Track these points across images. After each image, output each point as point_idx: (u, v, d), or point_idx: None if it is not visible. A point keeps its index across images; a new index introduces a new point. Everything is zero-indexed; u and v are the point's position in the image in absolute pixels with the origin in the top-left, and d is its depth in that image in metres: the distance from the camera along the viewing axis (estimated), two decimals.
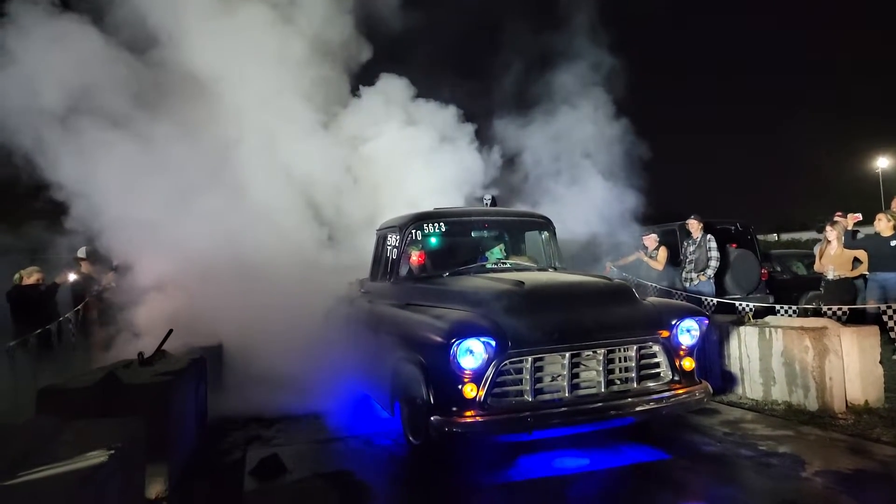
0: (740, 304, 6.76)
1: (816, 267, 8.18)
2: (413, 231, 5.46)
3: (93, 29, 7.23)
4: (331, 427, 5.22)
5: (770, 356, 5.55)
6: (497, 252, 5.78)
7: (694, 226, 8.85)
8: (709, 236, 8.67)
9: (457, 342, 3.80)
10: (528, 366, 3.97)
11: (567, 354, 4.04)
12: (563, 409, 3.97)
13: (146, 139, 7.31)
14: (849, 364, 5.20)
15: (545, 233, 5.98)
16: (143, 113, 7.47)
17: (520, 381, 3.98)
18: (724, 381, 6.04)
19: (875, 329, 5.37)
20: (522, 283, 4.39)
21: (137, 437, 2.72)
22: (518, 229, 6.15)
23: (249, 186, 7.82)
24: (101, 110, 7.33)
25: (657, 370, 4.34)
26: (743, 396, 5.80)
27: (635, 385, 4.22)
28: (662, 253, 9.15)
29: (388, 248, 5.67)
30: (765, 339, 5.61)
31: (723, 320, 6.25)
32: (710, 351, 6.20)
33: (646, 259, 9.19)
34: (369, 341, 5.29)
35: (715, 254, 8.55)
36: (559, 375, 4.05)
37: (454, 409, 3.85)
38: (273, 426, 5.38)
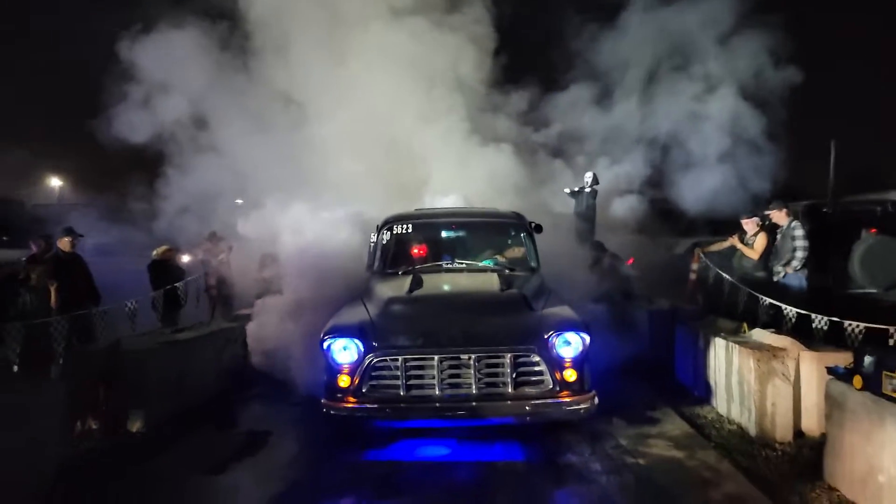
0: (787, 312, 6.09)
1: None
2: (385, 231, 6.17)
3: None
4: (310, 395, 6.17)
5: (732, 373, 5.16)
6: (464, 251, 6.18)
7: (776, 215, 7.79)
8: (794, 223, 7.50)
9: (329, 339, 4.57)
10: (401, 364, 4.55)
11: (436, 357, 4.52)
12: (431, 404, 4.51)
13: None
14: (806, 391, 4.66)
15: (519, 231, 6.19)
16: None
17: (396, 377, 4.58)
18: (707, 391, 5.71)
19: (843, 355, 4.63)
20: (420, 286, 4.91)
21: (52, 400, 4.10)
22: (491, 230, 6.43)
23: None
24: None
25: (539, 378, 4.56)
26: (713, 410, 5.48)
27: (510, 390, 4.52)
28: (761, 240, 7.96)
29: (370, 244, 6.45)
30: (728, 354, 5.21)
31: (716, 328, 5.83)
32: (699, 359, 5.86)
33: (739, 246, 8.20)
34: None
35: (801, 243, 7.41)
36: (432, 375, 4.56)
37: (338, 395, 4.63)
38: (281, 386, 6.54)
